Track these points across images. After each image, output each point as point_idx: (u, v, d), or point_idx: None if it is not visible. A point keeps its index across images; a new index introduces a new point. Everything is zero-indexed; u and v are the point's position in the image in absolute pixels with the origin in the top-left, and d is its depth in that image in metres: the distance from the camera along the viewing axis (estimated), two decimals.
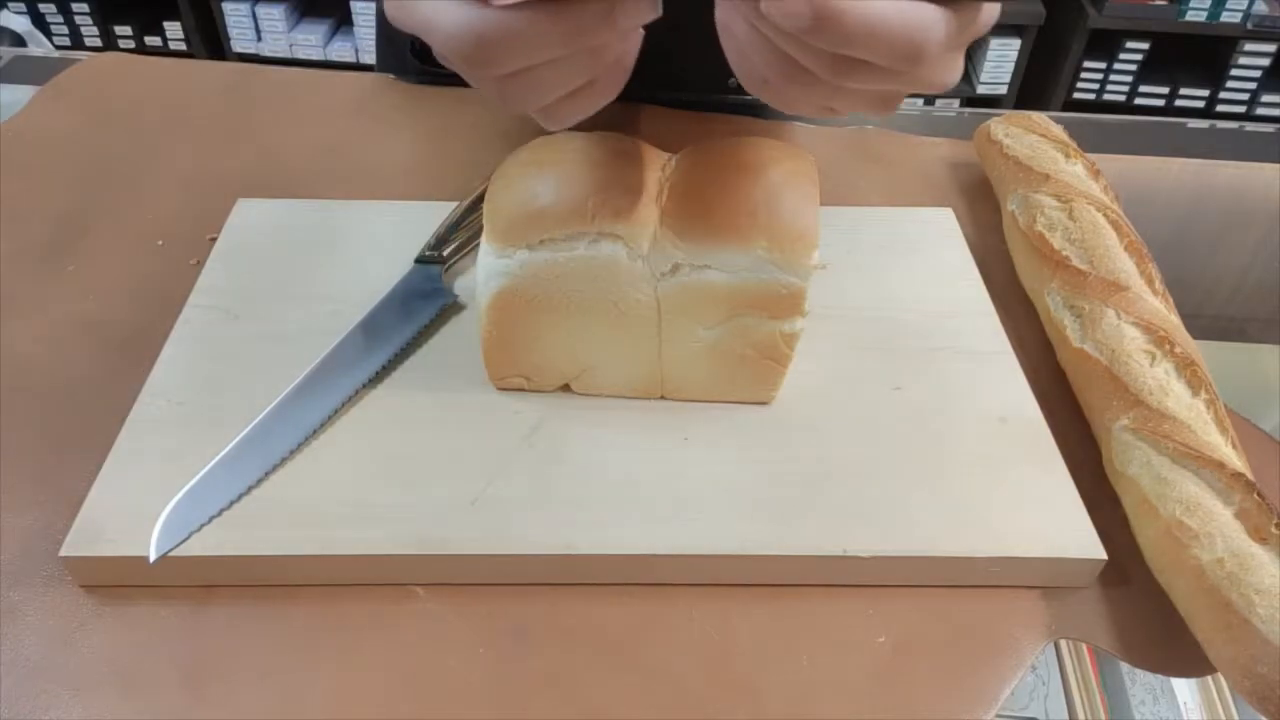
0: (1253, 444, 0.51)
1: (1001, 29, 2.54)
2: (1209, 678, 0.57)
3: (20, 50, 0.89)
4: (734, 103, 0.78)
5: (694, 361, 0.50)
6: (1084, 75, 2.58)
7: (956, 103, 2.62)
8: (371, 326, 0.54)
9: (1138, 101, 2.62)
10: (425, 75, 0.80)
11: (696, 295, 0.47)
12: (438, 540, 0.45)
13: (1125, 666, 0.47)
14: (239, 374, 0.52)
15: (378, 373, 0.52)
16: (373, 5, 2.65)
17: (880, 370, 0.54)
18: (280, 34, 2.71)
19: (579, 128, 0.48)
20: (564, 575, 0.45)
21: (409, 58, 0.82)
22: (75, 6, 2.66)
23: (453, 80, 0.79)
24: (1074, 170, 0.62)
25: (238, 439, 0.47)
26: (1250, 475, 0.45)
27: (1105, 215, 0.57)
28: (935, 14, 0.33)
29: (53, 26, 2.67)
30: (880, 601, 0.45)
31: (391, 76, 0.81)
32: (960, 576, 0.46)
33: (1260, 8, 2.40)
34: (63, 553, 0.43)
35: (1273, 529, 0.42)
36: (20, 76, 0.82)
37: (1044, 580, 0.46)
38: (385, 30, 0.86)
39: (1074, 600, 0.46)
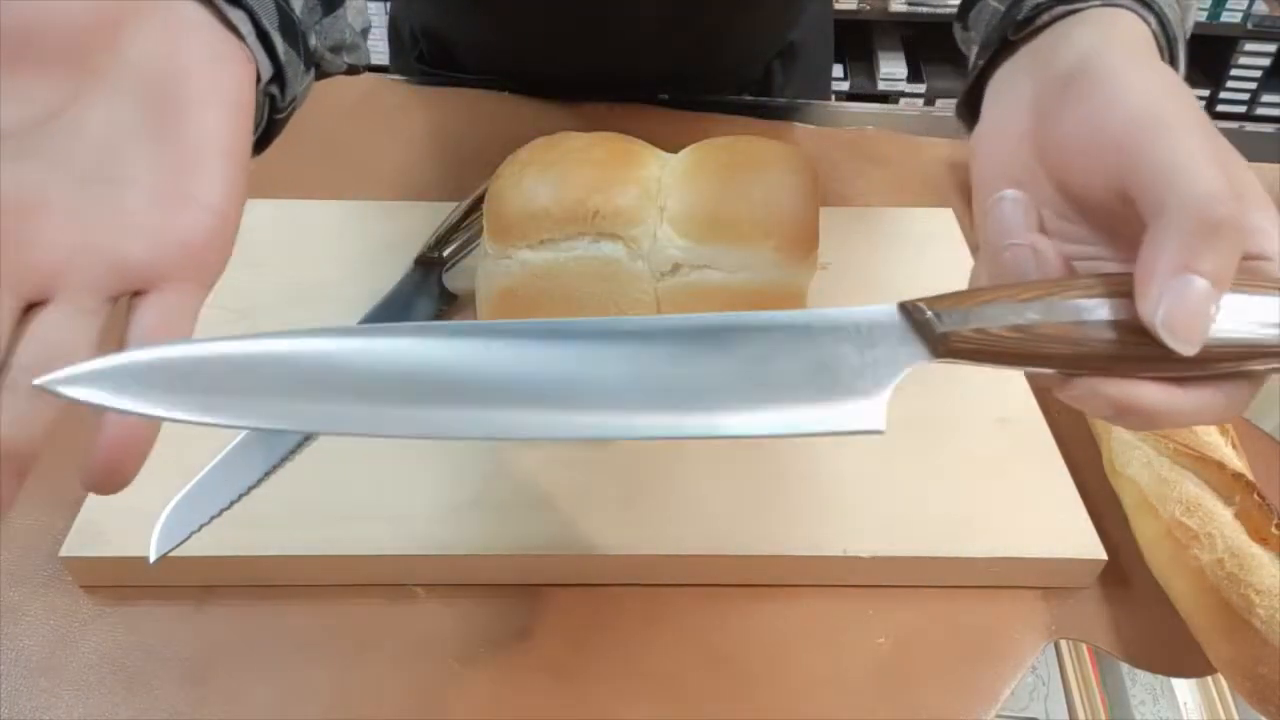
0: (1253, 444, 0.51)
1: None
2: (1209, 678, 0.57)
3: None
4: (734, 103, 0.78)
5: None
6: None
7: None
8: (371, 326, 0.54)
9: None
10: (429, 78, 0.80)
11: (696, 295, 0.47)
12: (438, 540, 0.45)
13: (1125, 666, 0.47)
14: None
15: None
16: (372, 5, 2.66)
17: None
18: None
19: (577, 127, 0.48)
20: (564, 575, 0.45)
21: (414, 64, 0.83)
22: None
23: (453, 81, 0.79)
24: None
25: (238, 439, 0.47)
26: (1250, 475, 0.45)
27: None
28: (1239, 393, 0.30)
29: None
30: (880, 601, 0.45)
31: (392, 77, 0.81)
32: (960, 577, 0.46)
33: (1260, 8, 2.39)
34: (63, 553, 0.43)
35: (1273, 529, 0.42)
36: None
37: (1044, 580, 0.46)
38: (394, 33, 0.86)
39: (1074, 600, 0.46)
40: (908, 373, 0.29)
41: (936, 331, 0.29)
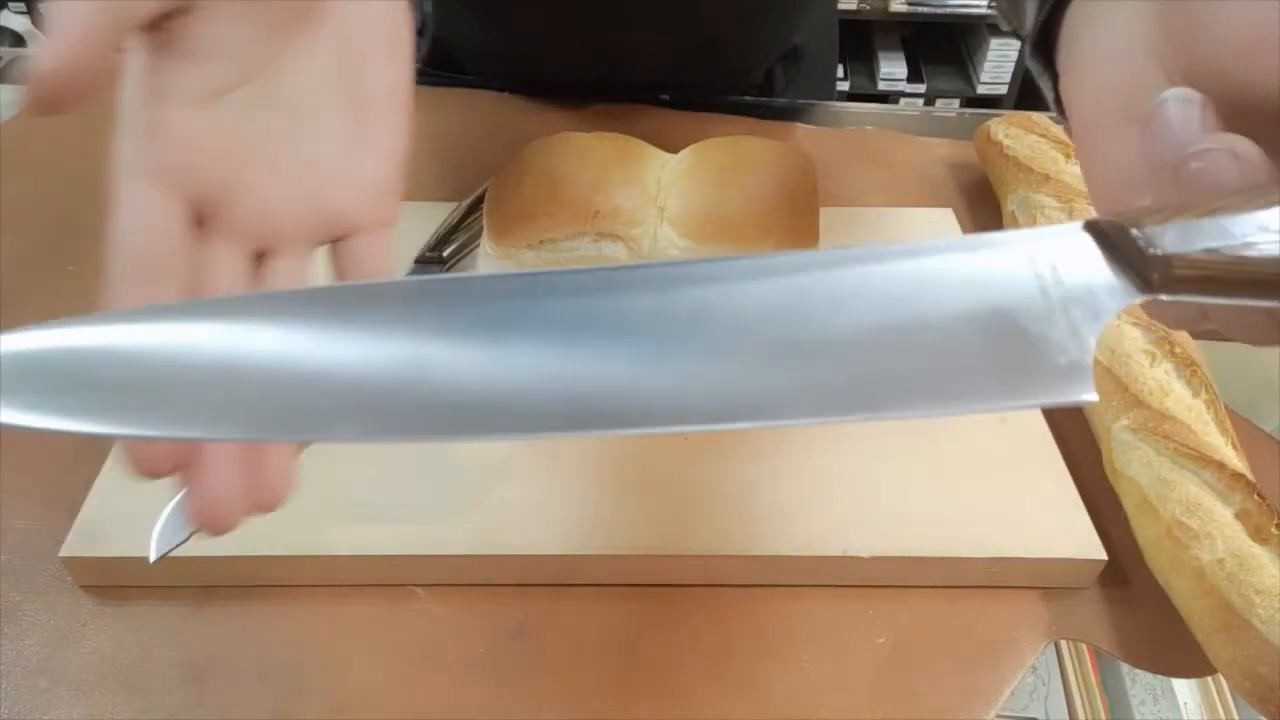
0: (1253, 444, 0.51)
1: (1002, 29, 2.54)
2: (1209, 678, 0.57)
3: (20, 50, 0.89)
4: (734, 103, 0.78)
5: None
6: None
7: (956, 103, 2.62)
8: None
9: None
10: (429, 79, 0.80)
11: None
12: (438, 540, 0.45)
13: (1125, 666, 0.47)
14: None
15: None
16: None
17: None
18: None
19: (577, 127, 0.47)
20: (564, 575, 0.45)
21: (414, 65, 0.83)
22: None
23: (453, 81, 0.79)
24: (1074, 170, 0.62)
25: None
26: (1250, 476, 0.45)
27: None
28: None
29: None
30: (880, 601, 0.45)
31: None
32: (960, 577, 0.46)
33: None
34: (63, 553, 0.43)
35: (1273, 529, 0.42)
36: (20, 77, 0.82)
37: (1044, 581, 0.46)
38: None
39: (1074, 600, 0.46)
40: (1113, 315, 0.22)
41: (1150, 255, 0.22)
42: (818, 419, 0.21)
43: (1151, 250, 0.22)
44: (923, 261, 0.22)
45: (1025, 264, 0.22)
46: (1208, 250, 0.21)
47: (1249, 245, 0.21)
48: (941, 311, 0.22)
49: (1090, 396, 0.21)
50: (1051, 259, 0.22)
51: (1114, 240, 0.23)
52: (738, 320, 0.22)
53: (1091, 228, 0.23)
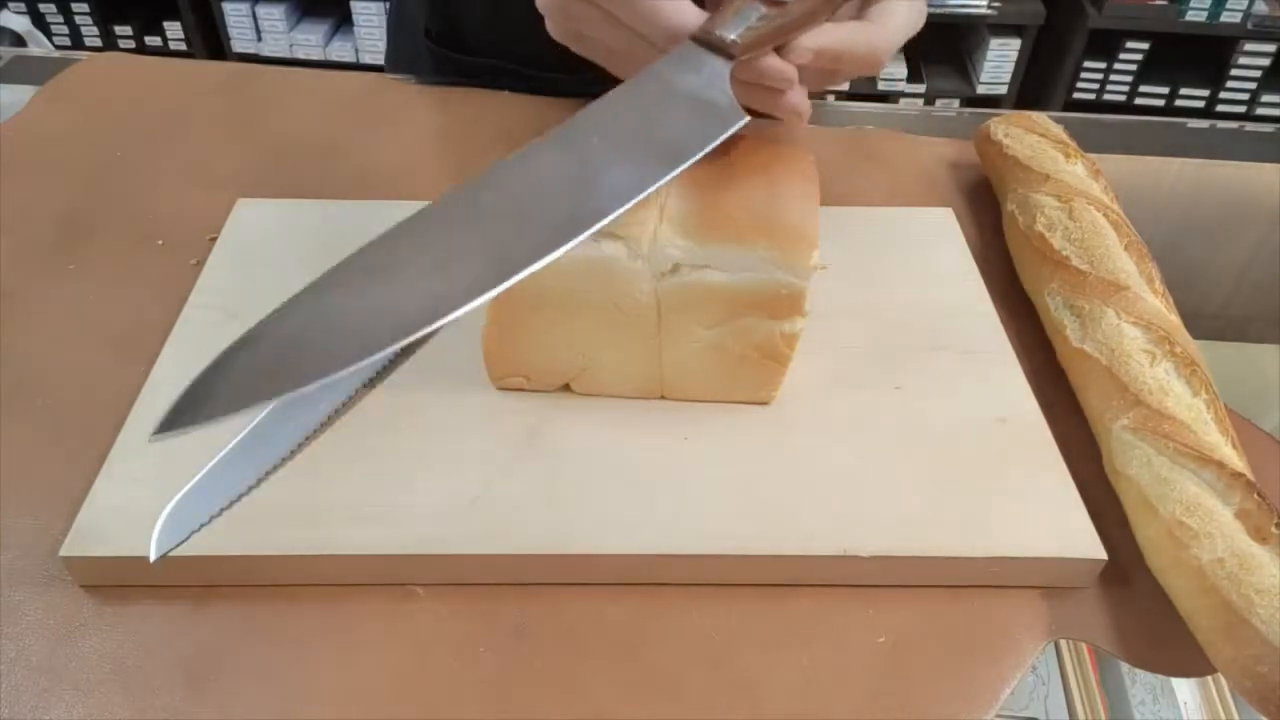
0: (1253, 444, 0.51)
1: (1001, 29, 2.54)
2: (1209, 678, 0.57)
3: (20, 50, 0.89)
4: None
5: (694, 361, 0.50)
6: (1084, 75, 2.59)
7: (956, 103, 2.62)
8: None
9: (1138, 101, 2.62)
10: (437, 71, 0.80)
11: (696, 295, 0.47)
12: (438, 540, 0.45)
13: (1125, 666, 0.47)
14: None
15: (378, 373, 0.52)
16: (371, 5, 2.65)
17: (880, 370, 0.54)
18: (280, 34, 2.71)
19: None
20: (564, 575, 0.45)
21: (422, 40, 0.82)
22: (75, 6, 2.66)
23: (455, 80, 0.79)
24: (1074, 170, 0.62)
25: (238, 438, 0.47)
26: (1250, 475, 0.45)
27: (1105, 215, 0.57)
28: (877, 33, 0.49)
29: (53, 26, 2.68)
30: (880, 601, 0.45)
31: (392, 76, 0.81)
32: (960, 577, 0.46)
33: (1260, 8, 2.40)
34: (63, 553, 0.43)
35: (1273, 529, 0.42)
36: (20, 76, 0.82)
37: (1044, 580, 0.46)
38: (399, 18, 0.86)
39: (1074, 600, 0.46)
40: (729, 73, 0.42)
41: (728, 41, 0.41)
42: (629, 197, 0.40)
43: (727, 38, 0.42)
44: (634, 95, 0.42)
45: (682, 71, 0.42)
46: (742, 32, 0.43)
47: (757, 20, 0.42)
48: (658, 110, 0.41)
49: (744, 119, 0.42)
50: (691, 63, 0.42)
51: (709, 42, 0.42)
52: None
53: (694, 39, 0.43)
